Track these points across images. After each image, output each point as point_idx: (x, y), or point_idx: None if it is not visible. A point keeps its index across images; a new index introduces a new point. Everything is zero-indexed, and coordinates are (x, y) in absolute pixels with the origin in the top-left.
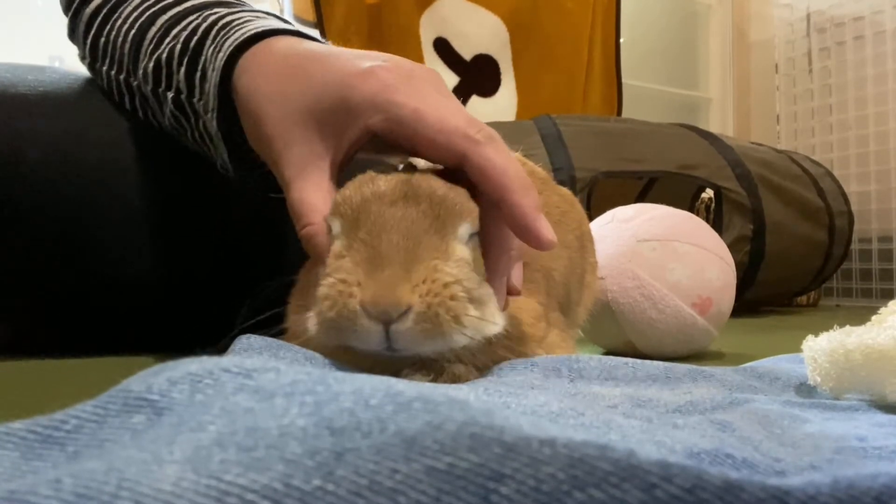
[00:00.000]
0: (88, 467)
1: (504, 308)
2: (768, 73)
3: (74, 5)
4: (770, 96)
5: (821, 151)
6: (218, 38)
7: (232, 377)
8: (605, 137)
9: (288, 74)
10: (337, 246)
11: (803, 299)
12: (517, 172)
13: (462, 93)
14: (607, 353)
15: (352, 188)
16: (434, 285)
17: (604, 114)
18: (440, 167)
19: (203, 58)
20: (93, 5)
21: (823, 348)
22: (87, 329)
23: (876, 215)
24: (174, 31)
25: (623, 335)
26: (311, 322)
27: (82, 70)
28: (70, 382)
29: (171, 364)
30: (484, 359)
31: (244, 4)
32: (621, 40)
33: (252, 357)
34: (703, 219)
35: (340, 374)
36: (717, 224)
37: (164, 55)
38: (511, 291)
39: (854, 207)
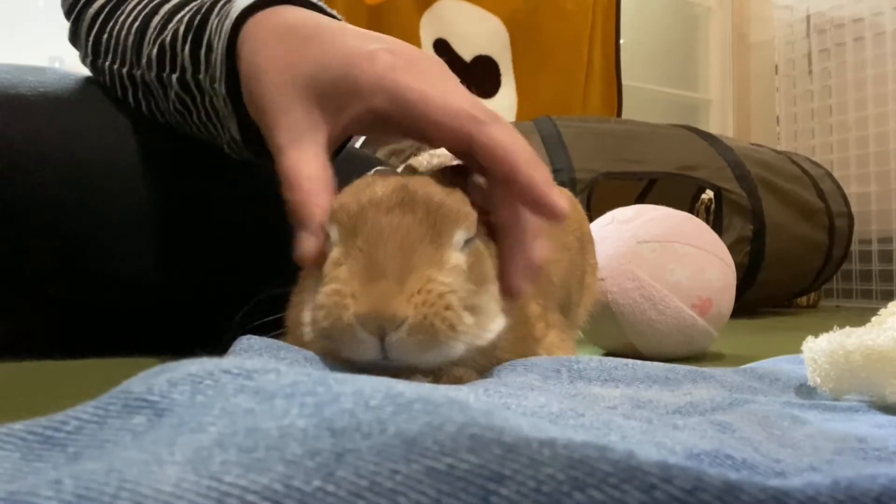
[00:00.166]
0: (89, 468)
1: (520, 294)
2: (768, 75)
3: (77, 8)
4: (770, 97)
5: (821, 152)
6: (223, 11)
7: (232, 378)
8: (605, 138)
9: (293, 42)
10: (335, 253)
11: (803, 300)
12: (524, 148)
13: None
14: (607, 354)
15: (349, 195)
16: (429, 295)
17: (604, 115)
18: (440, 169)
19: (208, 31)
20: (96, 5)
21: (823, 349)
22: (88, 330)
23: (876, 216)
24: (178, 16)
25: (623, 336)
26: (307, 329)
27: (83, 71)
28: (70, 383)
29: (171, 365)
30: (483, 360)
31: None
32: (621, 41)
33: (252, 358)
34: (703, 220)
35: (341, 376)
36: (716, 225)
37: (168, 38)
38: (533, 269)
39: (854, 208)
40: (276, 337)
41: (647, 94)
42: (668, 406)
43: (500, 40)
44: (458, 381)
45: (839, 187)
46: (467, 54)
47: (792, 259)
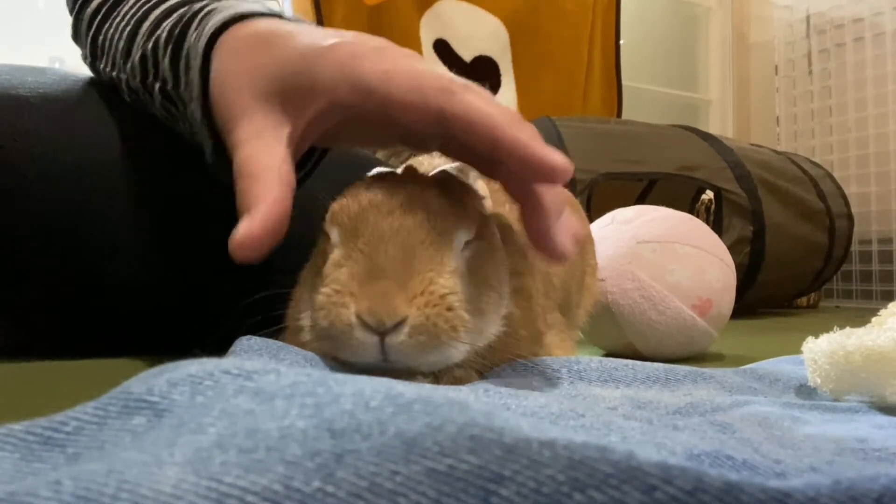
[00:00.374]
0: (88, 469)
1: (570, 253)
2: (768, 75)
3: (78, 4)
4: (770, 98)
5: (821, 153)
6: (200, 25)
7: (232, 379)
8: (605, 139)
9: (256, 49)
10: (336, 255)
11: (803, 301)
12: (505, 112)
13: None
14: (607, 355)
15: (349, 196)
16: (432, 297)
17: (604, 115)
18: (439, 171)
19: (186, 45)
20: (94, 5)
21: (823, 350)
22: (87, 330)
23: (876, 217)
24: (164, 24)
25: (623, 337)
26: (307, 331)
27: (83, 71)
28: (70, 384)
29: (171, 366)
30: (483, 361)
31: None
32: (621, 42)
33: (252, 359)
34: (703, 220)
35: (341, 376)
36: (716, 226)
37: (150, 45)
38: (562, 252)
39: (854, 209)
40: (275, 335)
41: (647, 94)
42: (669, 407)
43: (500, 41)
44: (458, 381)
45: (839, 188)
46: (467, 55)
47: (792, 260)
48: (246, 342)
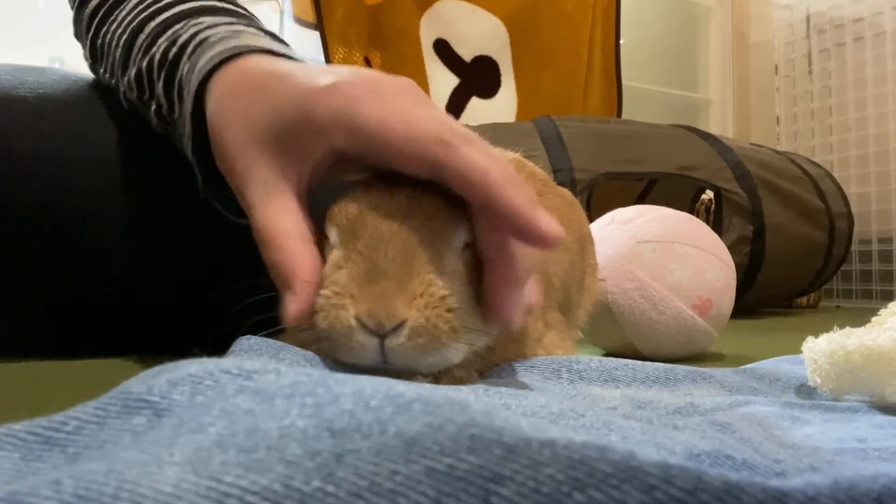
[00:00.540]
0: (89, 469)
1: (517, 325)
2: (768, 75)
3: (77, 2)
4: (770, 98)
5: (821, 153)
6: (193, 56)
7: (232, 379)
8: (605, 139)
9: (250, 93)
10: (335, 256)
11: (803, 301)
12: (502, 168)
13: (462, 94)
14: (607, 355)
15: (348, 198)
16: (431, 298)
17: (604, 115)
18: None
19: (179, 74)
20: (92, 5)
21: (823, 350)
22: (87, 330)
23: (876, 217)
24: (159, 41)
25: (623, 336)
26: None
27: (83, 71)
28: (70, 383)
29: (171, 365)
30: (483, 361)
31: (231, 10)
32: (621, 42)
33: (252, 359)
34: (703, 220)
35: (341, 376)
36: (716, 225)
37: (145, 64)
38: (526, 308)
39: (854, 209)
40: (275, 335)
41: (647, 94)
42: (669, 406)
43: (500, 40)
44: (458, 382)
45: (839, 187)
46: (467, 54)
47: (792, 259)
48: (246, 342)
